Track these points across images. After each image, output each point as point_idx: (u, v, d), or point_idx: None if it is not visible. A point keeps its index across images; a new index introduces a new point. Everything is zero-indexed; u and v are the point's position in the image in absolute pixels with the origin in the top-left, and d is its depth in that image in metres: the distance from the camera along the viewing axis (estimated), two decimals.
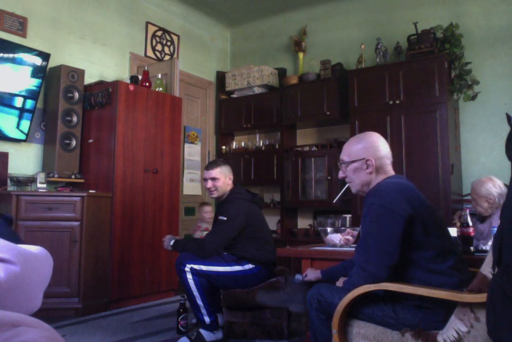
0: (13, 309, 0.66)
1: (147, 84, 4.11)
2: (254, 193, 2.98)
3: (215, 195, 2.88)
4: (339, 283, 1.84)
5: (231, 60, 5.95)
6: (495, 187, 2.88)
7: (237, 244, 2.76)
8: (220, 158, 3.16)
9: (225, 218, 2.70)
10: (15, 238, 0.80)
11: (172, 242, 2.79)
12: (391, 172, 1.83)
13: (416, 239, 1.60)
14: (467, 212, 2.18)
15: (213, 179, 2.84)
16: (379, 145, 1.82)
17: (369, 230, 1.63)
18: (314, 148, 4.75)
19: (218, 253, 2.76)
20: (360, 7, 4.97)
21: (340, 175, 1.89)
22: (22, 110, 3.57)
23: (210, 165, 2.91)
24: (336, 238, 2.45)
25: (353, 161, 1.81)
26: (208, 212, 3.96)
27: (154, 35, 4.93)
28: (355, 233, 2.48)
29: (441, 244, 1.65)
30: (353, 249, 1.84)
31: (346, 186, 1.96)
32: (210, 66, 5.65)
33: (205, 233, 3.42)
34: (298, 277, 2.24)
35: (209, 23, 5.63)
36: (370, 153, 1.80)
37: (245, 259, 2.73)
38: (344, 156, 1.86)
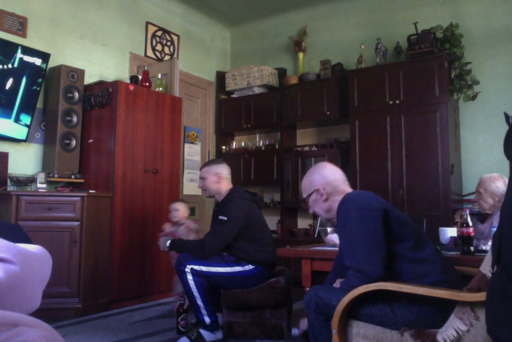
0: (12, 308, 0.66)
1: (147, 84, 4.11)
2: (253, 192, 2.96)
3: (206, 194, 2.96)
4: (336, 284, 1.84)
5: (231, 60, 5.95)
6: (505, 186, 2.86)
7: (237, 244, 2.75)
8: (220, 158, 3.17)
9: (225, 218, 2.68)
10: (17, 234, 0.80)
11: (168, 243, 2.78)
12: (348, 190, 1.96)
13: (394, 231, 1.71)
14: (467, 212, 2.18)
15: (202, 178, 2.91)
16: (323, 173, 1.98)
17: (352, 233, 1.71)
18: (314, 148, 4.76)
19: (218, 254, 2.75)
20: (360, 7, 4.97)
21: (310, 210, 2.04)
22: (22, 110, 3.57)
23: (202, 165, 3.01)
24: (336, 238, 2.45)
25: (309, 196, 1.98)
26: (176, 210, 3.40)
27: (154, 35, 4.93)
28: None
29: (417, 233, 1.76)
30: (345, 253, 1.86)
31: (319, 218, 2.10)
32: (210, 66, 5.65)
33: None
34: (294, 331, 2.30)
35: (209, 23, 5.64)
36: (318, 183, 1.96)
37: (245, 260, 2.73)
38: (303, 194, 2.03)
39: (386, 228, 1.69)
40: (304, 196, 2.01)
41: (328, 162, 2.09)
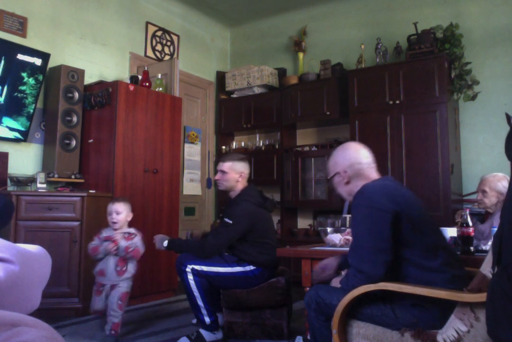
0: (12, 308, 0.66)
1: (147, 84, 4.11)
2: (265, 196, 2.92)
3: (221, 187, 2.88)
4: (335, 283, 1.84)
5: (231, 60, 5.95)
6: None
7: (240, 246, 2.74)
8: (241, 154, 3.11)
9: (230, 221, 2.67)
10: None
11: (165, 242, 2.77)
12: (373, 175, 1.88)
13: (404, 236, 1.63)
14: (467, 212, 2.18)
15: (222, 172, 2.84)
16: (346, 155, 1.89)
17: (359, 230, 1.66)
18: (314, 148, 4.76)
19: (219, 254, 2.75)
20: (360, 7, 4.97)
21: (336, 192, 1.98)
22: (22, 110, 3.57)
23: (224, 158, 2.93)
24: (336, 238, 2.45)
25: (332, 177, 1.92)
26: (118, 213, 2.88)
27: (154, 35, 4.93)
28: None
29: (431, 240, 1.67)
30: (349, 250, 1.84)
31: (347, 201, 2.04)
32: (210, 66, 5.65)
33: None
34: (298, 340, 2.32)
35: (209, 23, 5.64)
36: (341, 165, 1.88)
37: (247, 261, 2.73)
38: (328, 174, 1.97)
39: (396, 230, 1.62)
40: (328, 177, 1.96)
41: (354, 142, 1.96)
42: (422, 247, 1.64)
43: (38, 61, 3.62)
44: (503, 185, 2.88)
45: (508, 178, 2.92)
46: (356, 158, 1.87)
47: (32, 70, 3.58)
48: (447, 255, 1.67)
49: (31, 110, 3.60)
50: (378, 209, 1.62)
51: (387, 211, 1.61)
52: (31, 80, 3.55)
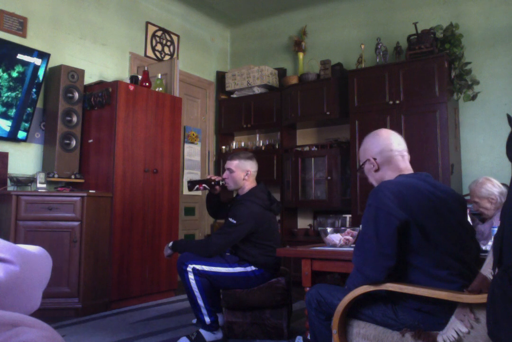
0: (12, 308, 0.66)
1: (147, 84, 4.11)
2: (273, 198, 2.90)
3: (230, 188, 2.88)
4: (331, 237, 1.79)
5: (231, 60, 5.95)
6: (495, 186, 2.89)
7: (243, 247, 2.74)
8: (249, 152, 3.09)
9: (234, 221, 2.66)
10: None
11: (170, 244, 2.78)
12: (402, 165, 1.79)
13: (414, 244, 1.55)
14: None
15: (230, 170, 2.85)
16: (375, 142, 1.83)
17: (366, 231, 1.59)
18: (314, 148, 4.75)
19: (220, 254, 2.75)
20: (360, 7, 4.97)
21: (368, 180, 1.93)
22: (22, 110, 3.57)
23: (232, 156, 2.92)
24: (336, 238, 2.44)
25: (363, 165, 1.87)
26: None
27: (154, 35, 4.93)
28: (355, 233, 2.48)
29: (444, 250, 1.57)
30: (353, 249, 1.82)
31: None
32: (210, 66, 5.65)
33: None
34: (298, 339, 2.35)
35: (209, 23, 5.64)
36: (369, 152, 1.84)
37: (248, 261, 2.73)
38: (359, 162, 1.91)
39: (404, 237, 1.55)
40: (360, 164, 1.91)
41: (386, 129, 1.91)
42: (432, 255, 1.55)
43: (38, 61, 3.62)
44: (486, 189, 2.89)
45: (492, 180, 2.94)
46: (387, 145, 1.80)
47: (32, 70, 3.58)
48: (461, 267, 1.58)
49: (5, 99, 3.52)
50: (389, 213, 1.54)
51: (397, 216, 1.52)
52: (5, 75, 3.50)
